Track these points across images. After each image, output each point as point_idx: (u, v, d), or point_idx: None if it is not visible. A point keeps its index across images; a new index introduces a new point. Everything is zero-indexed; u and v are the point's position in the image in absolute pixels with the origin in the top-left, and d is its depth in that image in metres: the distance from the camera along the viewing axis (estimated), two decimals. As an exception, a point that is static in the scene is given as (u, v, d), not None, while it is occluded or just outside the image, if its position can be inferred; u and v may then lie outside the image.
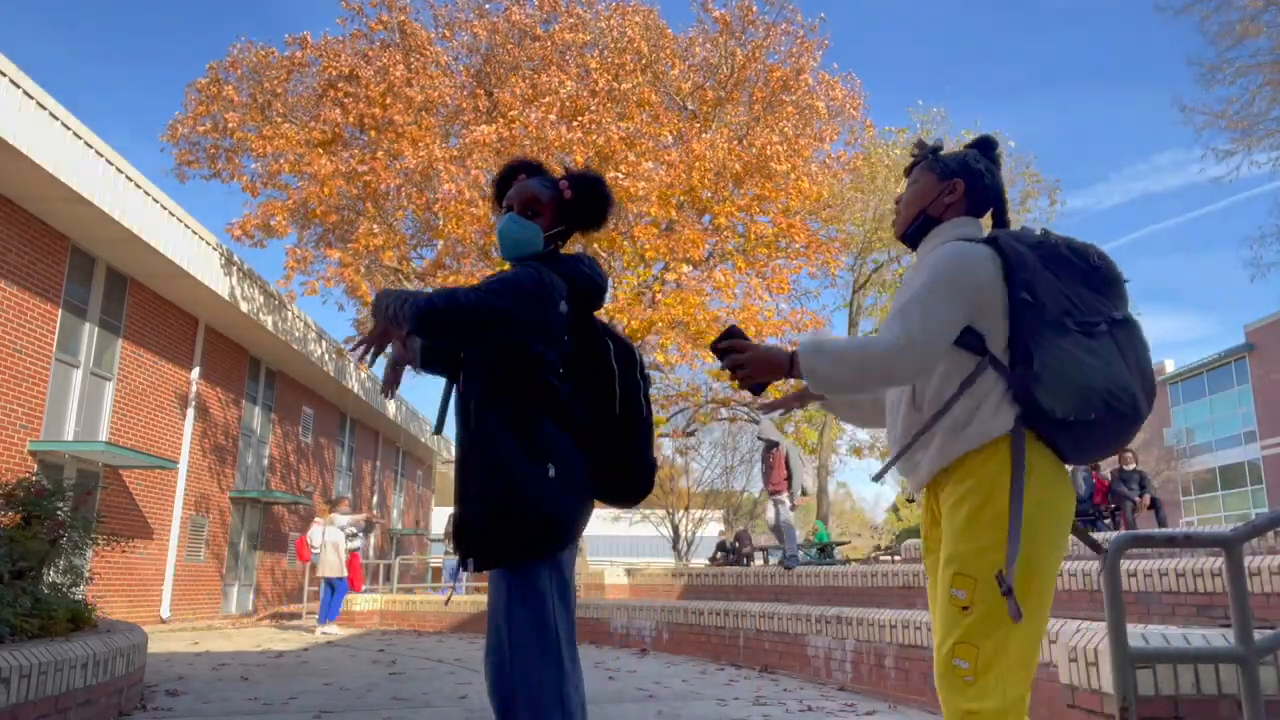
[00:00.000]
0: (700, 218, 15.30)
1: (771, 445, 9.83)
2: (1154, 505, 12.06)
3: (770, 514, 9.76)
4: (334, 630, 12.05)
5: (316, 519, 14.29)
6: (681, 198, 14.13)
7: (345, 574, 12.33)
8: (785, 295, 15.77)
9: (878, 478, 2.23)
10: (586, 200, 2.29)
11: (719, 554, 16.07)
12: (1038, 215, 22.21)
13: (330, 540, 12.30)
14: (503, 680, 2.04)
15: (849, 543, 21.80)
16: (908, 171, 2.20)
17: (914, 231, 2.11)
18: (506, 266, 2.31)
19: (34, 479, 5.15)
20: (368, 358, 2.17)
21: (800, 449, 9.80)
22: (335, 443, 23.47)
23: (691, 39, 16.50)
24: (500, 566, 2.10)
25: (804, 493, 9.63)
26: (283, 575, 19.81)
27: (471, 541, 2.11)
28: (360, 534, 13.21)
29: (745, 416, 21.70)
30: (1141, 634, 3.16)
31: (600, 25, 15.86)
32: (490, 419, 2.12)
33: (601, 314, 14.14)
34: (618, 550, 38.65)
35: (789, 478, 9.40)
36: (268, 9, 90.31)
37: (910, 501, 2.10)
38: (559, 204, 2.27)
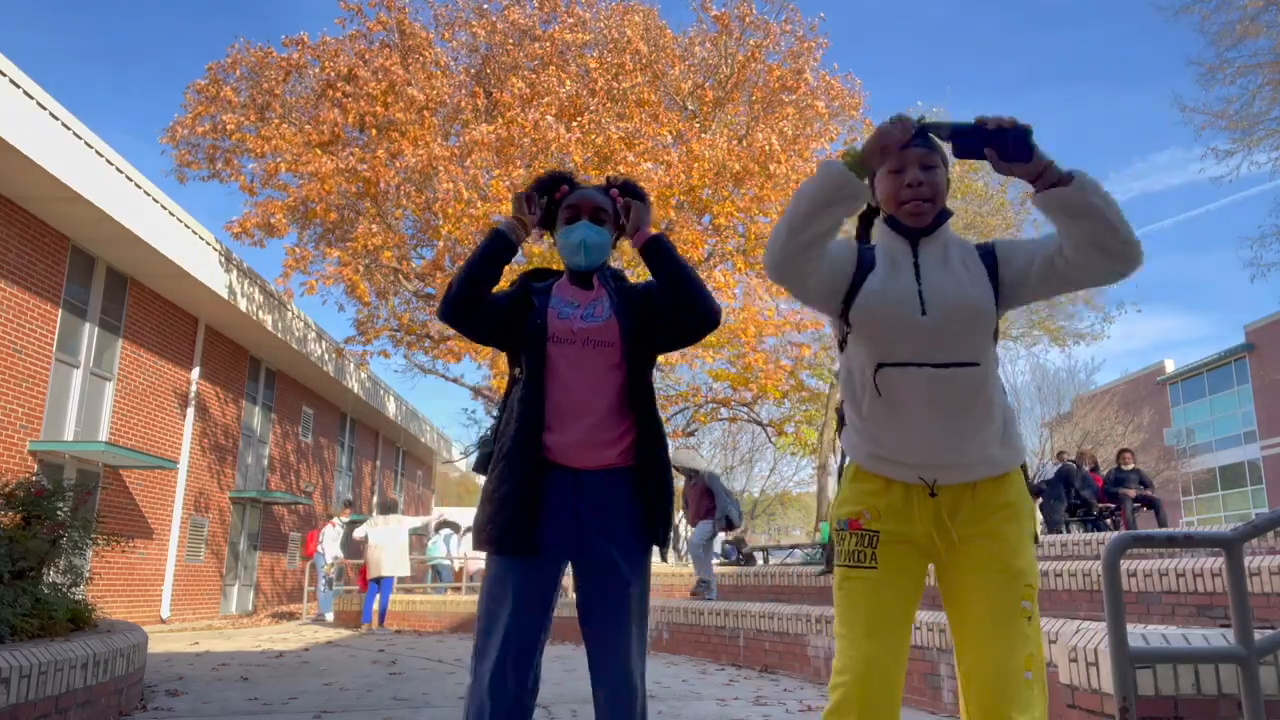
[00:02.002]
0: (700, 218, 15.30)
1: (691, 475, 9.07)
2: (1151, 504, 12.02)
3: (691, 534, 8.95)
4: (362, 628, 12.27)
5: (334, 519, 14.35)
6: (681, 197, 14.13)
7: (406, 574, 12.64)
8: (784, 293, 15.77)
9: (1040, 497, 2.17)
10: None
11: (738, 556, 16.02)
12: (1037, 215, 22.21)
13: (394, 541, 12.44)
14: (641, 675, 2.14)
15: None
16: (919, 141, 1.94)
17: (935, 223, 2.01)
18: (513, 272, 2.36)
19: (34, 479, 5.15)
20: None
21: (722, 479, 8.90)
22: (335, 443, 23.48)
23: (691, 39, 16.50)
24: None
25: (729, 524, 8.81)
26: (282, 575, 19.82)
27: (667, 529, 2.26)
28: (433, 534, 13.59)
29: (745, 416, 21.71)
30: (1141, 634, 3.16)
31: (600, 25, 15.87)
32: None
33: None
34: (618, 550, 38.60)
35: (712, 507, 8.66)
36: (269, 9, 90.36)
37: (933, 496, 1.94)
38: (615, 211, 2.32)
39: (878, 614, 1.90)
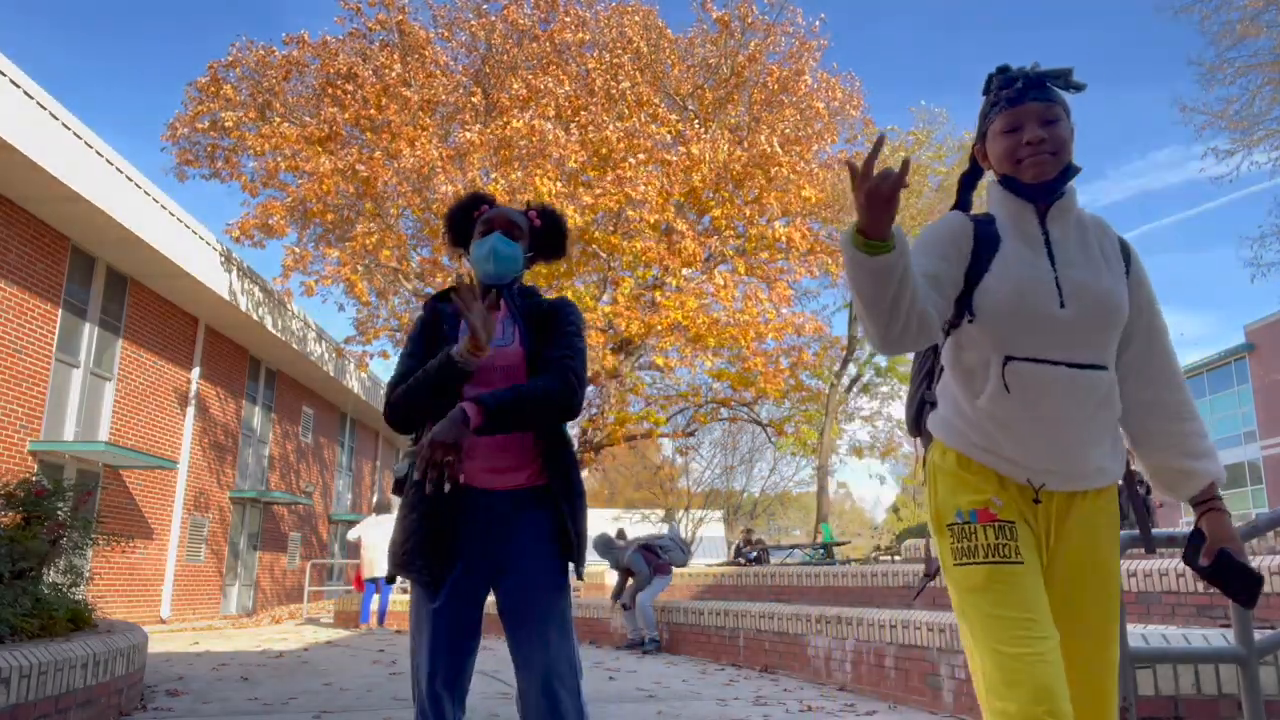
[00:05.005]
0: (700, 219, 15.31)
1: (615, 560, 9.22)
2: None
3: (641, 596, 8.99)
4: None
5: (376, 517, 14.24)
6: (680, 198, 14.13)
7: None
8: (785, 300, 15.75)
9: (1150, 548, 1.92)
10: (551, 230, 2.44)
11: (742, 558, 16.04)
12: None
13: (389, 541, 12.48)
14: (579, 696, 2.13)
15: (849, 542, 21.81)
16: (1037, 94, 1.75)
17: (1061, 178, 1.76)
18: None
19: (34, 479, 5.15)
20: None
21: (634, 553, 9.08)
22: (335, 443, 23.48)
23: (691, 39, 16.51)
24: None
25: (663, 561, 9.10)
26: (282, 574, 19.82)
27: (581, 541, 2.25)
28: None
29: (745, 416, 21.71)
30: (1141, 634, 3.16)
31: (599, 25, 15.87)
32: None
33: (600, 317, 14.22)
34: (617, 550, 38.60)
35: (662, 565, 9.00)
36: (270, 9, 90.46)
37: (1036, 502, 1.77)
38: (530, 231, 2.40)
39: (1042, 613, 1.66)
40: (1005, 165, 1.78)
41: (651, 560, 8.98)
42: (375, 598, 12.73)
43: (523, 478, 2.21)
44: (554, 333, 2.27)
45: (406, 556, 2.17)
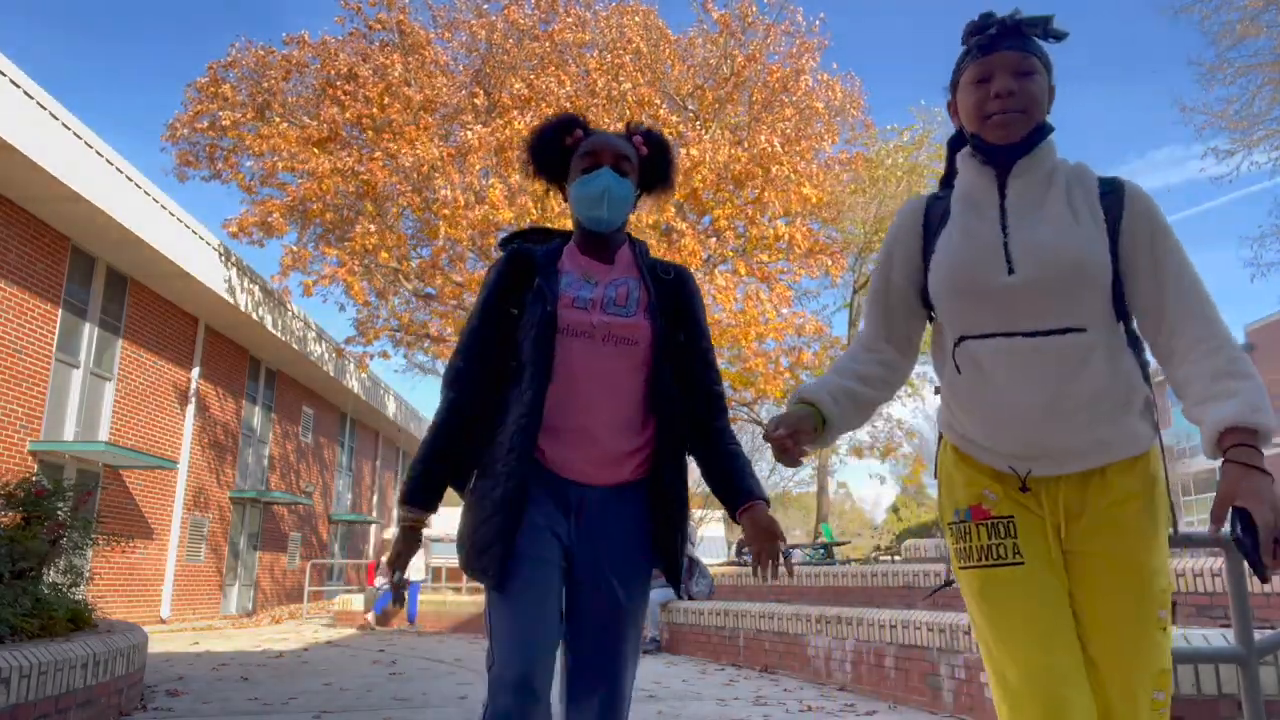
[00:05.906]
0: (700, 219, 15.30)
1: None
2: None
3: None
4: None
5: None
6: (680, 199, 14.12)
7: (420, 577, 13.84)
8: (785, 301, 15.74)
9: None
10: (659, 159, 2.01)
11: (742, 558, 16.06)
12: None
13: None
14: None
15: (849, 543, 21.80)
16: (1012, 42, 1.61)
17: (1029, 140, 1.63)
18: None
19: (34, 479, 5.15)
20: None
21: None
22: (335, 443, 23.47)
23: (691, 39, 16.51)
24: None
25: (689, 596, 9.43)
26: (282, 574, 19.82)
27: (680, 555, 1.92)
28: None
29: (745, 416, 21.70)
30: (1141, 634, 3.15)
31: (599, 25, 15.87)
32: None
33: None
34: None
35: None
36: (270, 9, 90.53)
37: (1024, 491, 1.59)
38: (638, 162, 1.97)
39: (1047, 619, 1.52)
40: (974, 122, 1.65)
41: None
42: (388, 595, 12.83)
43: (626, 471, 1.85)
44: (688, 324, 1.93)
45: (486, 548, 1.75)
